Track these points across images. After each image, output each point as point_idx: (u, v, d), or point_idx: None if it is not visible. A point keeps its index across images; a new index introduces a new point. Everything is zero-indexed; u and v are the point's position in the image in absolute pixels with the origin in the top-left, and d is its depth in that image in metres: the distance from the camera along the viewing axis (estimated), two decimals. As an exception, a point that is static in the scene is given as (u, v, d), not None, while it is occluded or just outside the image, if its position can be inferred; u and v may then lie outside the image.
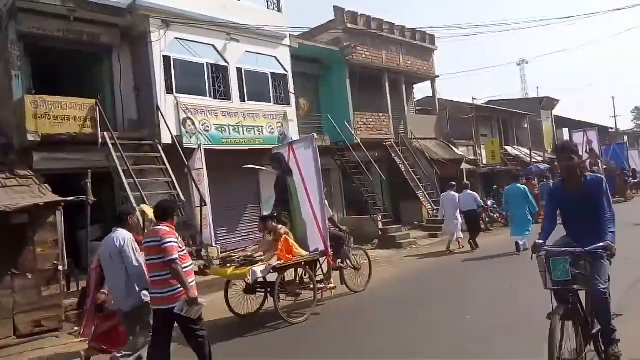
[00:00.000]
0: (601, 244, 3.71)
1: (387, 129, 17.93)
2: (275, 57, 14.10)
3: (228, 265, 7.25)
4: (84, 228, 9.90)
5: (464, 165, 20.43)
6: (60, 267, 7.93)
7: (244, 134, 12.77)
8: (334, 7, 17.31)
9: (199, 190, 10.18)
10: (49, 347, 7.10)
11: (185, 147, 11.03)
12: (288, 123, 13.94)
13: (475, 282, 9.02)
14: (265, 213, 14.12)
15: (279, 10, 14.35)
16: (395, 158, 17.79)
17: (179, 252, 4.59)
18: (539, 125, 29.46)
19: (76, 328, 7.82)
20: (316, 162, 7.98)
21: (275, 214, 7.85)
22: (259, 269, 6.94)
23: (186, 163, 10.57)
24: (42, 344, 7.24)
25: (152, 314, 4.82)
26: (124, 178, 9.58)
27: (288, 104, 14.26)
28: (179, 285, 4.55)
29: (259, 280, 7.16)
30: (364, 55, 17.52)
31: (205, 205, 10.07)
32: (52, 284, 7.80)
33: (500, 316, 6.36)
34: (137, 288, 4.96)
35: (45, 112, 9.69)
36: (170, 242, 4.55)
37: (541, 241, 3.92)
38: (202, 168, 10.45)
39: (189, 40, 11.99)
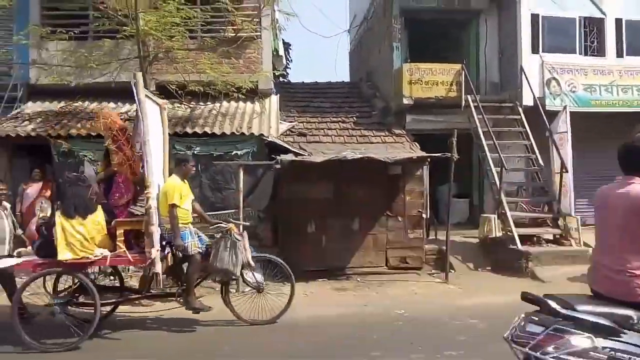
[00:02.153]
0: None
1: None
2: (669, 0, 11.50)
3: None
4: (442, 184, 10.85)
5: None
6: (424, 215, 8.98)
7: (618, 94, 11.09)
8: None
9: (560, 155, 9.52)
10: (411, 281, 8.25)
11: (547, 109, 10.46)
12: (683, 81, 11.28)
13: None
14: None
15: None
16: None
17: None
18: None
19: (434, 270, 8.82)
20: None
21: None
22: None
23: (548, 126, 10.02)
24: (406, 277, 8.47)
25: None
26: (483, 139, 9.89)
27: (684, 56, 11.49)
28: None
29: None
30: None
31: (567, 171, 9.35)
32: (417, 229, 8.94)
33: None
34: None
35: (418, 79, 10.91)
36: None
37: None
38: (566, 132, 9.67)
39: (560, -6, 11.09)
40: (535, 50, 10.96)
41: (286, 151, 8.78)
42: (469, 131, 10.39)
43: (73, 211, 5.05)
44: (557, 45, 11.11)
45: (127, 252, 5.20)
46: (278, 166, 7.93)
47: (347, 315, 6.18)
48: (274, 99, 10.36)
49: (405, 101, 10.98)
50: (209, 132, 8.72)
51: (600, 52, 11.34)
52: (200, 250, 5.56)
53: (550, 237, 9.25)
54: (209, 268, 5.62)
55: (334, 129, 11.17)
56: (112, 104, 9.95)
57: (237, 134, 8.74)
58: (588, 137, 10.87)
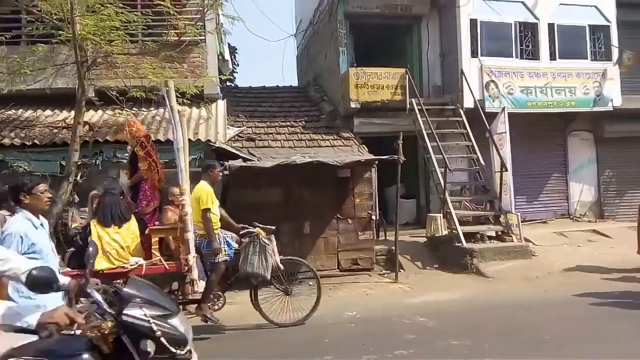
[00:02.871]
0: None
1: None
2: (595, 7, 12.26)
3: None
4: (390, 185, 11.07)
5: None
6: (373, 217, 9.13)
7: (552, 95, 11.72)
8: None
9: (499, 154, 9.95)
10: (363, 282, 8.36)
11: (487, 111, 10.89)
12: (607, 82, 12.06)
13: None
14: (572, 184, 12.87)
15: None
16: None
17: None
18: None
19: (384, 271, 8.97)
20: None
21: None
22: None
23: (487, 127, 10.44)
24: (357, 278, 8.58)
25: None
26: (427, 141, 10.18)
27: (609, 59, 12.29)
28: None
29: None
30: None
31: (506, 170, 9.77)
32: (367, 230, 9.07)
33: None
34: None
35: (364, 82, 11.10)
36: None
37: None
38: (505, 132, 10.13)
39: (497, 0, 11.59)
40: (474, 54, 11.39)
41: (235, 157, 8.67)
42: (414, 133, 10.67)
43: (109, 220, 5.08)
44: (495, 49, 11.60)
45: (162, 259, 5.24)
46: (226, 172, 7.82)
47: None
48: (221, 103, 10.21)
49: (352, 105, 11.12)
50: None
51: (534, 55, 11.92)
52: (227, 259, 5.62)
53: (493, 234, 9.63)
54: (239, 272, 5.70)
55: (283, 134, 11.15)
56: (48, 112, 9.50)
57: (183, 140, 8.53)
58: (525, 137, 11.45)
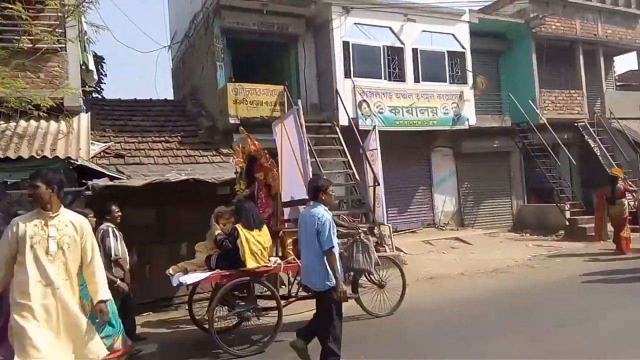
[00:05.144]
0: None
1: (579, 108, 15.97)
2: (452, 35, 13.63)
3: None
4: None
5: (680, 150, 17.11)
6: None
7: (417, 115, 12.71)
8: (520, -25, 15.88)
9: (372, 170, 10.46)
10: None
11: (360, 128, 11.44)
12: (464, 103, 13.43)
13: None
14: (436, 195, 14.05)
15: (459, -15, 13.75)
16: (589, 140, 15.78)
17: None
18: None
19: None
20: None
21: None
22: None
23: (361, 144, 10.95)
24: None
25: None
26: (307, 157, 10.33)
27: (465, 83, 13.70)
28: None
29: None
30: (553, 27, 15.79)
31: (379, 185, 10.31)
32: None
33: None
34: None
35: (243, 98, 11.01)
36: None
37: None
38: (376, 149, 10.69)
39: (367, 25, 12.31)
40: (347, 75, 11.94)
41: (100, 175, 8.00)
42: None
43: (253, 224, 5.60)
44: (366, 70, 12.28)
45: (295, 258, 5.88)
46: (89, 192, 7.17)
47: (170, 347, 5.84)
48: (84, 117, 9.37)
49: (231, 120, 10.96)
50: (2, 156, 7.50)
51: (401, 77, 12.84)
52: None
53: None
54: (346, 269, 6.18)
55: (157, 150, 10.60)
56: None
57: (38, 157, 7.66)
58: (395, 153, 12.24)
